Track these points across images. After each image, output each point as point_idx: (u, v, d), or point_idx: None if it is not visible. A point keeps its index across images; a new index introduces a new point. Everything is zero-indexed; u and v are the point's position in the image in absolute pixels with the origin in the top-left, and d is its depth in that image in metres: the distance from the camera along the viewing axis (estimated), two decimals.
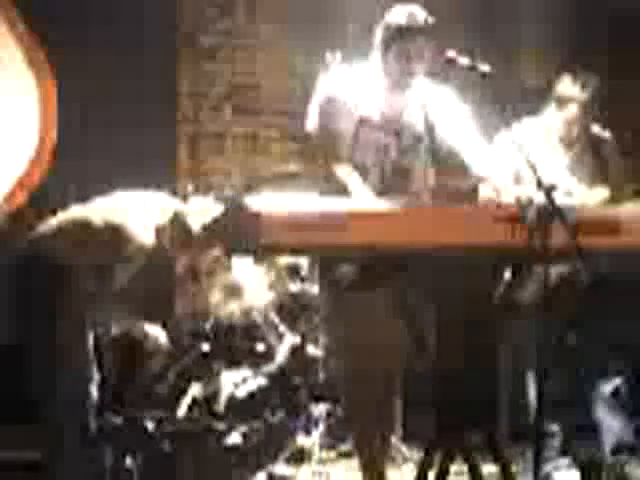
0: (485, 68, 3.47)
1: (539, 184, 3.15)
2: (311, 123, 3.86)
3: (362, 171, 3.79)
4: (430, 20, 3.80)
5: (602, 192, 4.54)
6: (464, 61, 3.51)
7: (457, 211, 3.23)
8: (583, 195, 4.42)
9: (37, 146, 5.50)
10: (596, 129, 4.74)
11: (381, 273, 3.37)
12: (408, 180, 3.88)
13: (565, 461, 4.76)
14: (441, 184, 3.82)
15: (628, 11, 5.89)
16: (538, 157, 3.27)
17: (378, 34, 3.88)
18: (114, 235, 4.09)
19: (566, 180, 4.17)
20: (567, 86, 4.63)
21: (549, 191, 3.12)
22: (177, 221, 4.19)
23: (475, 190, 3.48)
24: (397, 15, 3.83)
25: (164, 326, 4.37)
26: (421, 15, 3.81)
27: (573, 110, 4.62)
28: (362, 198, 3.61)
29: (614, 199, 4.44)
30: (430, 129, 3.90)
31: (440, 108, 3.93)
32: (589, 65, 4.73)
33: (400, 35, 3.79)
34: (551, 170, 3.22)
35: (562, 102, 4.64)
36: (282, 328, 5.22)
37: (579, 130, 4.66)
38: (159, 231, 4.17)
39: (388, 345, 3.68)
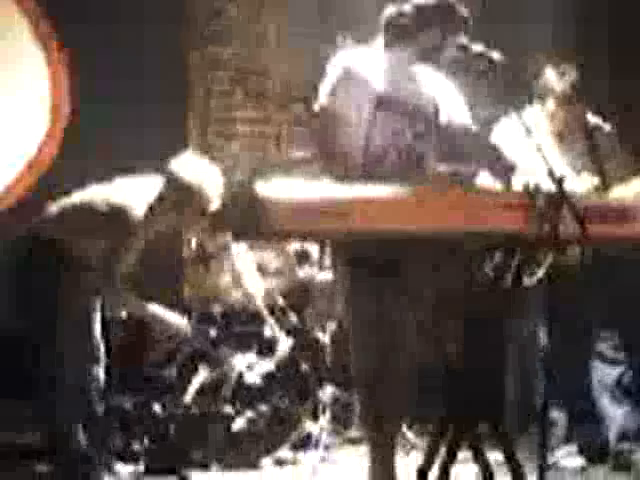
0: (497, 56, 3.46)
1: (550, 172, 3.15)
2: (321, 102, 3.74)
3: (379, 155, 3.76)
4: (462, 10, 3.75)
5: (590, 180, 4.54)
6: (477, 48, 3.50)
7: (462, 197, 3.22)
8: (571, 183, 4.41)
9: (48, 129, 5.51)
10: (592, 119, 4.74)
11: (387, 264, 3.37)
12: (422, 166, 3.85)
13: (570, 449, 4.78)
14: (440, 170, 3.79)
15: (628, 11, 5.87)
16: (531, 147, 3.27)
17: (408, 14, 3.76)
18: (118, 217, 4.09)
19: (558, 169, 4.16)
20: (546, 79, 4.65)
21: (560, 179, 3.12)
22: (173, 181, 4.21)
23: (472, 179, 3.47)
24: (430, 3, 3.73)
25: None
26: (455, 5, 3.75)
27: (552, 104, 4.64)
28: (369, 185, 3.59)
29: (604, 187, 4.45)
30: (437, 114, 3.87)
31: (442, 94, 3.90)
32: (588, 64, 4.75)
33: (439, 19, 3.73)
34: (543, 160, 3.20)
35: (542, 96, 4.66)
36: (290, 313, 5.23)
37: (565, 121, 4.67)
38: (160, 203, 4.18)
39: (403, 339, 3.68)
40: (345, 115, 3.71)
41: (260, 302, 5.08)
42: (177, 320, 4.37)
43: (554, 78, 4.64)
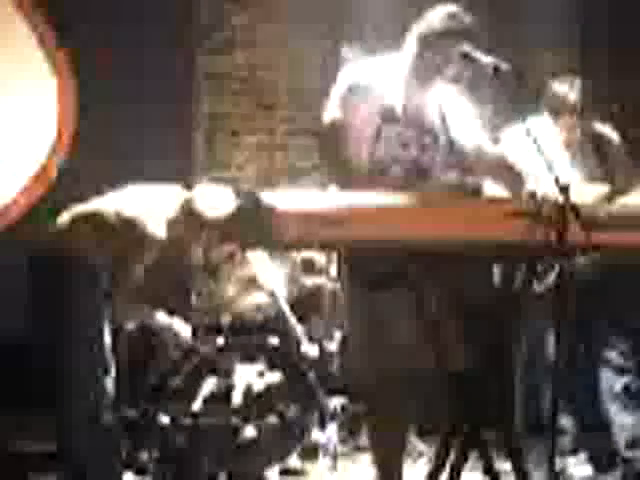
0: (498, 62, 3.46)
1: (556, 180, 3.15)
2: (329, 114, 3.77)
3: (383, 167, 3.76)
4: (472, 23, 3.74)
5: (600, 189, 4.55)
6: (478, 55, 3.50)
7: (467, 206, 3.22)
8: (581, 191, 4.43)
9: (55, 139, 5.51)
10: (600, 128, 4.76)
11: (397, 273, 3.37)
12: (426, 178, 3.84)
13: (579, 457, 4.77)
14: (447, 179, 3.79)
15: (628, 11, 5.87)
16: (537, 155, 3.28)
17: (417, 31, 3.79)
18: (128, 229, 4.10)
19: (566, 178, 4.19)
20: (555, 91, 4.66)
21: (565, 187, 3.12)
22: (188, 209, 4.20)
23: (479, 188, 3.48)
24: (442, 16, 3.74)
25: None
26: (465, 18, 3.75)
27: (563, 114, 4.66)
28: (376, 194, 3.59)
29: (613, 196, 4.45)
30: (446, 127, 3.87)
31: (451, 105, 3.90)
32: (589, 65, 4.76)
33: (443, 37, 3.71)
34: (549, 168, 3.20)
35: (552, 107, 4.68)
36: (296, 322, 5.22)
37: (575, 131, 4.68)
38: (172, 223, 4.18)
39: (406, 345, 3.67)
40: (352, 128, 3.72)
41: (283, 301, 5.10)
42: (182, 329, 4.39)
43: (565, 89, 4.65)
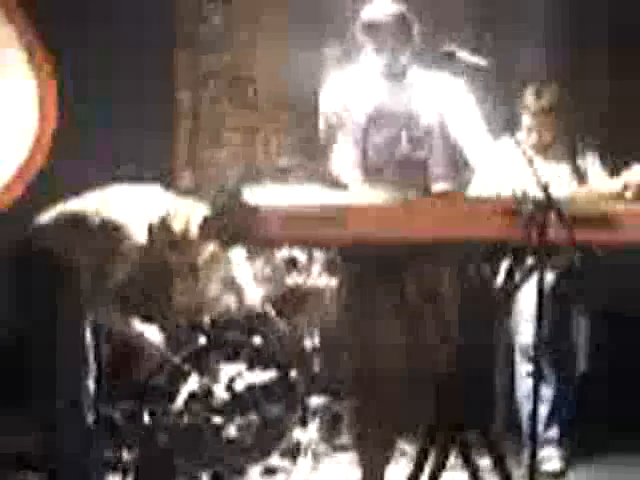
0: (483, 62, 3.48)
1: (536, 179, 3.17)
2: (320, 127, 3.89)
3: (376, 168, 3.78)
4: (392, 12, 3.82)
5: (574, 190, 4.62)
6: (462, 55, 3.52)
7: (454, 205, 3.23)
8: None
9: (36, 137, 5.50)
10: (576, 134, 4.82)
11: (380, 271, 3.38)
12: (424, 173, 3.85)
13: (552, 451, 4.79)
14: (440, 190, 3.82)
15: (628, 11, 5.90)
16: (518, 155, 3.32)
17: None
18: (108, 231, 4.08)
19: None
20: (524, 98, 4.74)
21: (545, 186, 3.14)
22: (163, 225, 4.19)
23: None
24: (363, 11, 3.87)
25: (161, 318, 4.38)
26: (383, 8, 3.83)
27: (528, 120, 4.72)
28: (360, 193, 3.61)
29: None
30: (440, 120, 3.88)
31: (449, 98, 3.91)
32: (589, 65, 4.81)
33: (364, 30, 3.82)
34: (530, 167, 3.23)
35: (528, 111, 4.75)
36: (279, 321, 5.22)
37: (545, 137, 4.74)
38: (151, 229, 4.17)
39: (389, 344, 3.68)
40: (341, 139, 3.78)
41: (257, 308, 5.09)
42: (155, 339, 4.35)
43: (531, 97, 4.74)
